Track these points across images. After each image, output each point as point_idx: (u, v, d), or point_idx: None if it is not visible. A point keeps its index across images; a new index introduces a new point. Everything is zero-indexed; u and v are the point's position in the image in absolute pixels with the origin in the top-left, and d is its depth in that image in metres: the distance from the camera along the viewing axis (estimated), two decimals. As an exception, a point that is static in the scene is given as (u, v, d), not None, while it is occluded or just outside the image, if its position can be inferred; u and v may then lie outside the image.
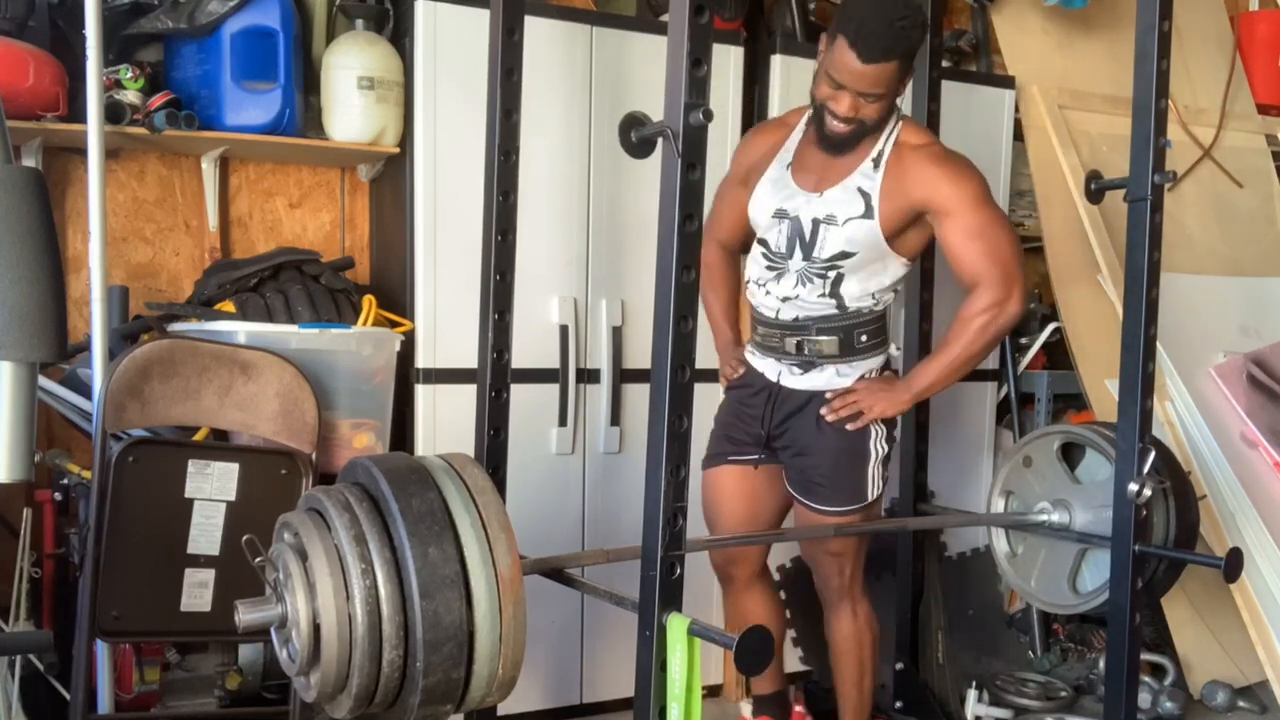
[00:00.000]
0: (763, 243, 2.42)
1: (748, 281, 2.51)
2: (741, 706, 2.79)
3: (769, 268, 2.41)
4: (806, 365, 2.41)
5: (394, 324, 2.72)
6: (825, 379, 2.41)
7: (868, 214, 2.31)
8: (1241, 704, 3.21)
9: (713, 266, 2.58)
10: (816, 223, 2.34)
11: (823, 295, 2.36)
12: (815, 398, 2.41)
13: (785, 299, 2.39)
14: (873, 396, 2.38)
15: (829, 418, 2.38)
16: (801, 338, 2.40)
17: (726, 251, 2.62)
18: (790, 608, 3.22)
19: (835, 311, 2.38)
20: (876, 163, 2.33)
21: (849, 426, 2.38)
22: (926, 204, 2.31)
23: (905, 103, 3.07)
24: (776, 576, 3.22)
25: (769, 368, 2.46)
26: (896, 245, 2.35)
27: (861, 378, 2.42)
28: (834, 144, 2.32)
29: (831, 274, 2.35)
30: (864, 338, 2.41)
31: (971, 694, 2.98)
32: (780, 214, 2.37)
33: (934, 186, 2.30)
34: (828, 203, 2.34)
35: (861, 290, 2.37)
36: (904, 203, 2.31)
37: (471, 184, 2.43)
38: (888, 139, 2.34)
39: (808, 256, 2.36)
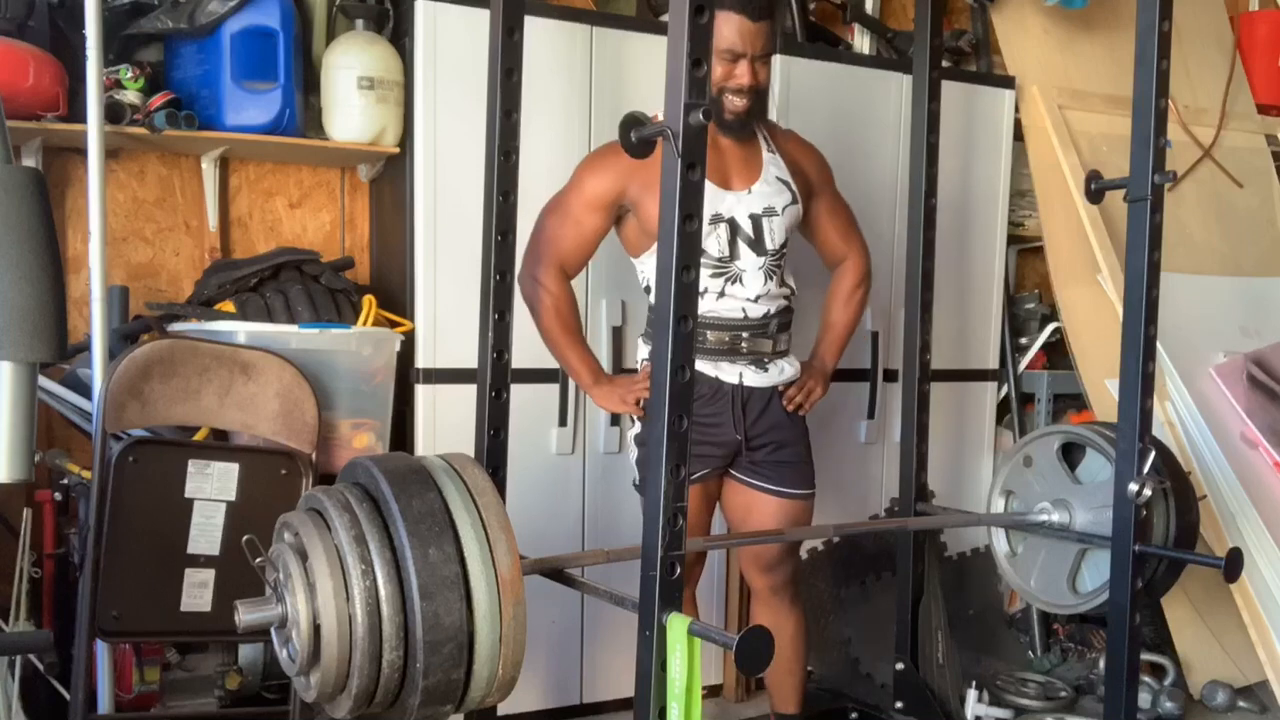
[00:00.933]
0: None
1: None
2: None
3: (714, 274, 2.38)
4: (760, 363, 2.45)
5: (394, 324, 2.72)
6: (785, 374, 2.48)
7: (794, 200, 2.45)
8: (1241, 704, 3.21)
9: (561, 299, 2.41)
10: (756, 218, 2.39)
11: (781, 285, 2.46)
12: (774, 391, 2.48)
13: (757, 297, 2.40)
14: (815, 382, 2.53)
15: (789, 407, 2.49)
16: (766, 335, 2.44)
17: (568, 280, 2.44)
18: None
19: (786, 304, 2.48)
20: (772, 151, 2.46)
21: (801, 412, 2.53)
22: (811, 176, 2.50)
23: (905, 103, 3.08)
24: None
25: (725, 372, 2.42)
26: None
27: (800, 368, 2.53)
28: (738, 125, 2.37)
29: (782, 262, 2.45)
30: (791, 328, 2.54)
31: (971, 694, 2.97)
32: (715, 219, 2.36)
33: (813, 164, 2.53)
34: (760, 197, 2.40)
35: (793, 277, 2.51)
36: (804, 183, 2.49)
37: (471, 184, 2.43)
38: (759, 130, 2.46)
39: (760, 251, 2.39)
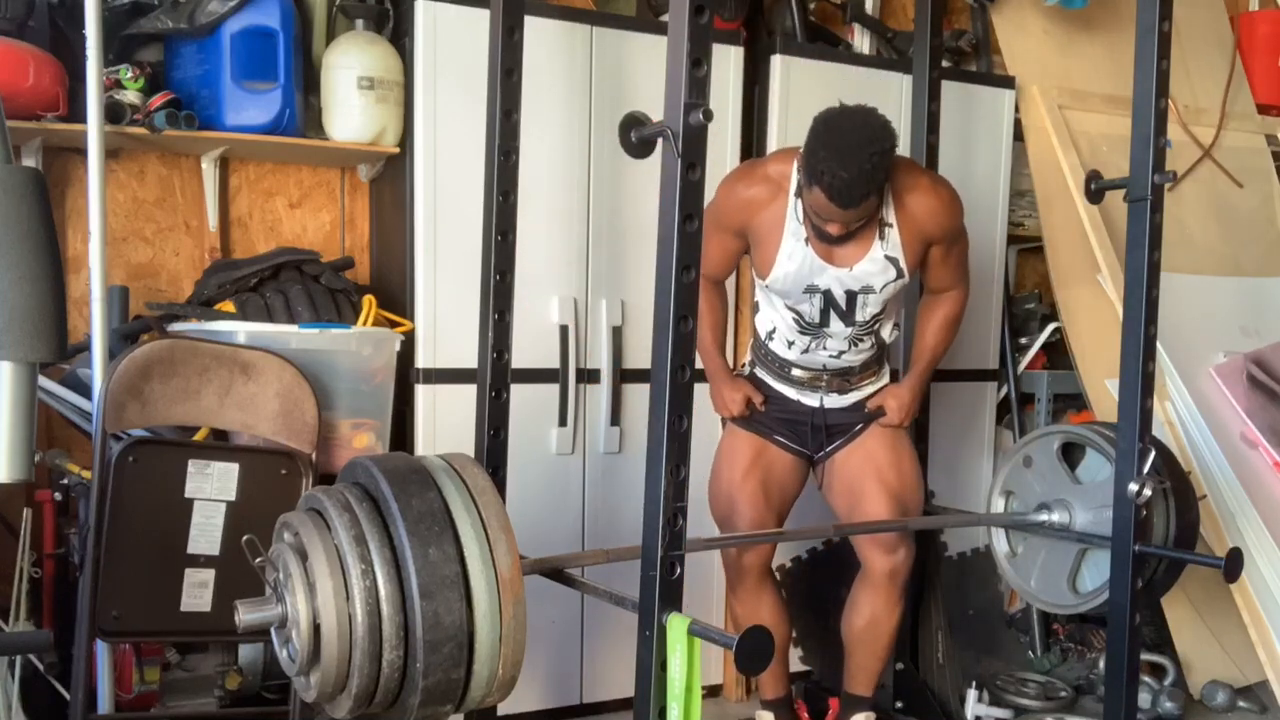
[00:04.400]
0: (793, 310, 2.49)
1: (770, 332, 2.56)
2: (759, 716, 2.78)
3: (802, 331, 2.51)
4: (843, 391, 2.59)
5: (394, 324, 2.72)
6: (865, 393, 2.63)
7: (900, 275, 2.44)
8: (1241, 704, 3.21)
9: (705, 302, 2.49)
10: (852, 294, 2.44)
11: (872, 346, 2.54)
12: (860, 403, 2.63)
13: (840, 353, 2.52)
14: (892, 403, 2.60)
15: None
16: (848, 377, 2.58)
17: (713, 282, 2.57)
18: (790, 608, 3.22)
19: (874, 351, 2.57)
20: (887, 228, 2.40)
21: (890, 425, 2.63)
22: (935, 236, 2.46)
23: (905, 103, 3.08)
24: (776, 575, 3.22)
25: (808, 397, 2.59)
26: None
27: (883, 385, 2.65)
28: (835, 242, 2.39)
29: (875, 325, 2.51)
30: (883, 356, 2.65)
31: (971, 694, 2.98)
32: (811, 289, 2.44)
33: (937, 221, 2.44)
34: (861, 277, 2.42)
35: (891, 326, 2.57)
36: (922, 244, 2.45)
37: (471, 184, 2.43)
38: (886, 204, 2.39)
39: (850, 322, 2.47)
